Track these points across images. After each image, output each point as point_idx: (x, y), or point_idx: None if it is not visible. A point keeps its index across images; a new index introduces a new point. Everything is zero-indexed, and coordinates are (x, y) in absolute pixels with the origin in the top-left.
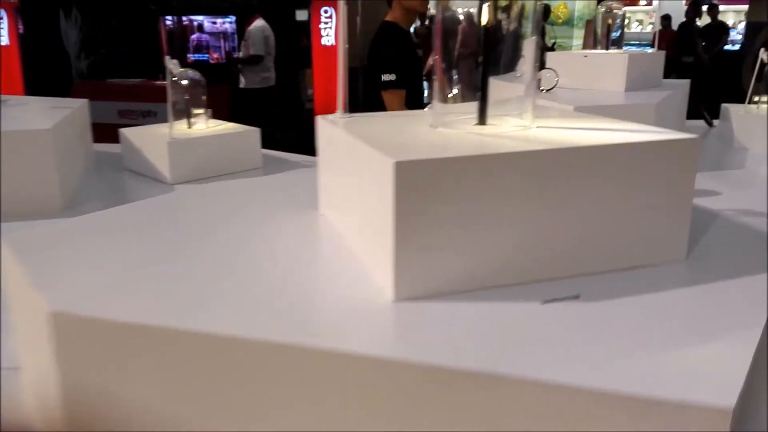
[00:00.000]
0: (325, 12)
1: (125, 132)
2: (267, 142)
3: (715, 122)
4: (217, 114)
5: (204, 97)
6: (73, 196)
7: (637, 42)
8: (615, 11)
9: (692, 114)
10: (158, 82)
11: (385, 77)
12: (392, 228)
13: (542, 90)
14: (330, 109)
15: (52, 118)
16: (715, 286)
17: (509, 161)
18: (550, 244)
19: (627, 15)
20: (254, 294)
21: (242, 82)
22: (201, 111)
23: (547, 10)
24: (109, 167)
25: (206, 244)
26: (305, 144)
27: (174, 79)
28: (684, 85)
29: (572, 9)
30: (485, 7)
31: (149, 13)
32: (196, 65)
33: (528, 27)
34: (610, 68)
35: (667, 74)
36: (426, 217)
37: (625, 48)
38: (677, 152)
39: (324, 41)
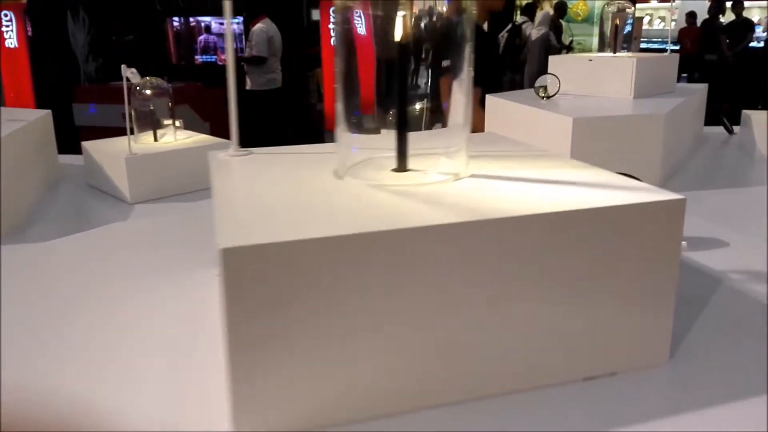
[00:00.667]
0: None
1: (86, 145)
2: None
3: (736, 128)
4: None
5: (170, 107)
6: (19, 219)
7: (660, 39)
8: (625, 10)
9: (712, 119)
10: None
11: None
12: (226, 338)
13: (543, 97)
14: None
15: None
16: (704, 398)
17: (409, 240)
18: (470, 357)
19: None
20: None
21: (248, 84)
22: (168, 123)
23: (563, 7)
24: (73, 183)
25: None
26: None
27: (137, 88)
28: (701, 90)
29: (592, 6)
30: (398, 15)
31: (156, 15)
32: (203, 67)
33: (461, 38)
34: (616, 73)
35: (691, 72)
36: (275, 323)
37: (647, 45)
38: (656, 219)
39: (334, 41)
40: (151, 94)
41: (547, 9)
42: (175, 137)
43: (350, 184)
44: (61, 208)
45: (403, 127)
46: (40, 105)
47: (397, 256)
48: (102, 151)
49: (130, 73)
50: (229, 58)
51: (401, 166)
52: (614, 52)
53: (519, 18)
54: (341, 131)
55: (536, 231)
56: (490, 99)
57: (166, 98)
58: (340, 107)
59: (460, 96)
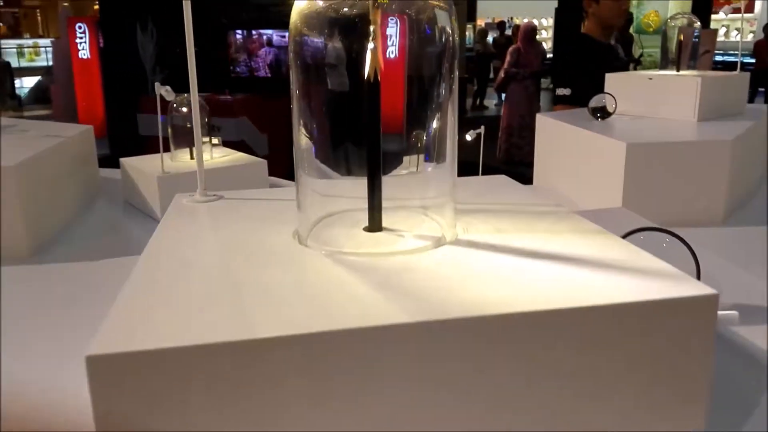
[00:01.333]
0: (390, 19)
1: (124, 162)
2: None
3: None
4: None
5: (207, 124)
6: (50, 238)
7: (735, 53)
8: (691, 25)
9: None
10: (222, 97)
11: (559, 92)
12: None
13: (598, 118)
14: (391, 113)
15: (27, 152)
16: None
17: (336, 344)
18: None
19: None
20: None
21: None
22: (206, 140)
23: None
24: (111, 200)
25: None
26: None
27: (175, 106)
28: None
29: (664, 16)
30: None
31: (220, 27)
32: (264, 80)
33: (444, 65)
34: (679, 93)
35: None
36: None
37: (723, 58)
38: (679, 318)
39: (388, 53)
40: (187, 112)
41: None
42: (211, 155)
43: (304, 253)
44: (93, 226)
45: (375, 177)
46: (109, 114)
47: (316, 364)
48: (137, 168)
49: (164, 91)
50: (192, 79)
51: (373, 226)
52: (678, 70)
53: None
54: (303, 179)
55: (515, 333)
56: (541, 119)
57: (203, 116)
58: (299, 150)
59: (442, 134)
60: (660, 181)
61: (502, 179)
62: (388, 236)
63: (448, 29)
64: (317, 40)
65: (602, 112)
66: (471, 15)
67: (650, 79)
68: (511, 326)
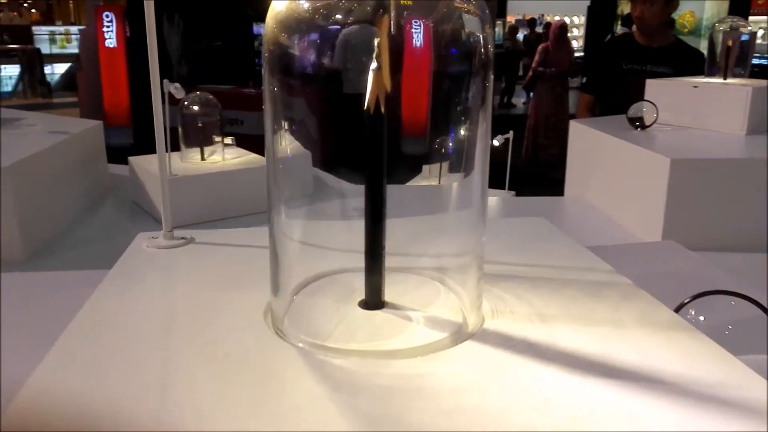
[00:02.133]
0: (415, 22)
1: (133, 161)
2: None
3: None
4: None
5: (219, 124)
6: (48, 242)
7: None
8: (739, 29)
9: None
10: (246, 90)
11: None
12: None
13: (638, 127)
14: (414, 115)
15: (25, 151)
16: None
17: None
18: None
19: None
20: None
21: None
22: (218, 140)
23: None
24: (119, 200)
25: None
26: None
27: (186, 104)
28: None
29: (700, 17)
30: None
31: (245, 21)
32: None
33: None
34: (727, 104)
35: None
36: None
37: (759, 61)
38: None
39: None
40: (198, 111)
41: None
42: (223, 156)
43: (270, 348)
44: (96, 229)
45: (376, 241)
46: (134, 104)
47: None
48: (145, 168)
49: (173, 89)
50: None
51: (372, 301)
52: (724, 78)
53: (619, 29)
54: (279, 227)
55: None
56: (575, 125)
57: (214, 115)
58: (273, 188)
59: (467, 175)
60: (707, 201)
61: (540, 224)
62: (390, 319)
63: (480, 38)
64: (300, 55)
65: (642, 122)
66: (501, 11)
67: (695, 87)
68: None
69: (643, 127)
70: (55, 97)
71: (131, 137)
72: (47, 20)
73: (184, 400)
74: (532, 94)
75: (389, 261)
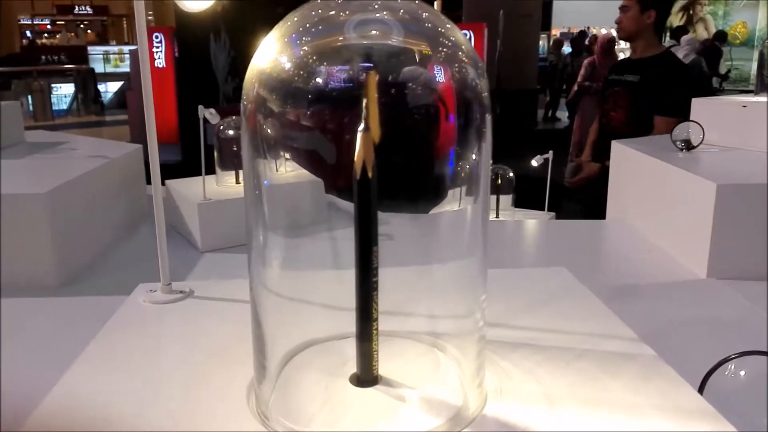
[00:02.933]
0: (464, 36)
1: (169, 184)
2: None
3: None
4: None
5: None
6: (82, 267)
7: None
8: None
9: None
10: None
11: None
12: None
13: (683, 149)
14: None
15: (62, 178)
16: None
17: None
18: None
19: None
20: None
21: None
22: None
23: (723, 35)
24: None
25: None
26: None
27: (222, 128)
28: None
29: (753, 27)
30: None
31: None
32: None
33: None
34: None
35: None
36: None
37: None
38: None
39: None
40: (234, 135)
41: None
42: None
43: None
44: (133, 253)
45: (366, 311)
46: (182, 122)
47: None
48: (180, 192)
49: (208, 114)
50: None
51: (364, 377)
52: None
53: (666, 41)
54: (262, 298)
55: None
56: (616, 146)
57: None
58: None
59: (466, 224)
60: (755, 227)
61: (561, 275)
62: (382, 399)
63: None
64: (282, 113)
65: (687, 143)
66: (546, 24)
67: (744, 106)
68: None
69: (689, 148)
70: (108, 115)
71: (180, 154)
72: (102, 40)
73: None
74: (576, 109)
75: (386, 323)
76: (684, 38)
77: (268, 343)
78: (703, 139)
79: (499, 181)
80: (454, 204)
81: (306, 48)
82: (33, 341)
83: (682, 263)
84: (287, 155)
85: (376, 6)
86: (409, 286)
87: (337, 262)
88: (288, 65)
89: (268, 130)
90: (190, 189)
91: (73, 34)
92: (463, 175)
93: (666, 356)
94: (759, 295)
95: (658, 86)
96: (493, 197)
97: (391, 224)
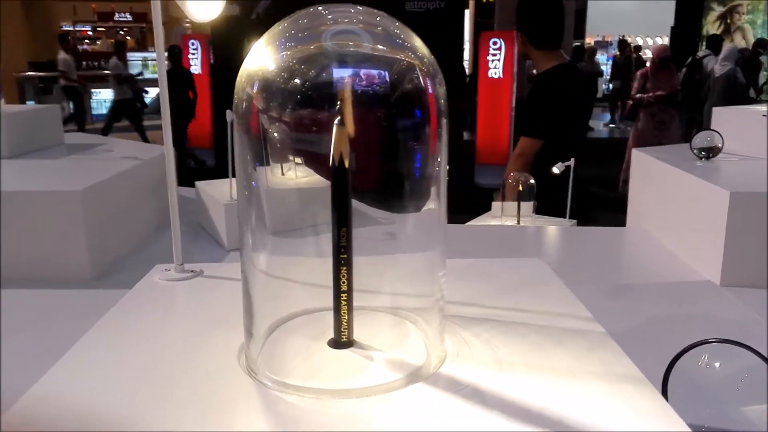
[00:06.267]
0: (494, 44)
1: (199, 186)
2: None
3: None
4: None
5: None
6: (115, 262)
7: None
8: None
9: None
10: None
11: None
12: None
13: (703, 157)
14: (491, 142)
15: (97, 176)
16: None
17: None
18: None
19: None
20: None
21: None
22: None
23: (763, 43)
24: (185, 224)
25: None
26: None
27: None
28: None
29: None
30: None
31: None
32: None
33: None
34: None
35: None
36: None
37: None
38: None
39: (491, 74)
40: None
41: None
42: (296, 174)
43: (239, 386)
44: (162, 249)
45: (342, 285)
46: (215, 127)
47: None
48: (208, 192)
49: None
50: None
51: (340, 340)
52: None
53: (702, 51)
54: (252, 271)
55: None
56: (637, 154)
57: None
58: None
59: (426, 220)
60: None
61: (535, 265)
62: (354, 358)
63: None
64: (270, 113)
65: (707, 152)
66: (579, 32)
67: (765, 116)
68: None
69: (708, 157)
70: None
71: (214, 158)
72: (141, 47)
73: None
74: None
75: (365, 300)
76: (726, 46)
77: (256, 312)
78: (722, 148)
79: (520, 188)
80: (420, 201)
81: (289, 53)
82: (64, 330)
83: (696, 270)
84: (275, 134)
85: (354, 20)
86: (383, 272)
87: (321, 244)
88: (273, 67)
89: (258, 120)
90: (217, 190)
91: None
92: (423, 173)
93: (647, 345)
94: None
95: (527, 105)
96: (514, 204)
97: (369, 218)
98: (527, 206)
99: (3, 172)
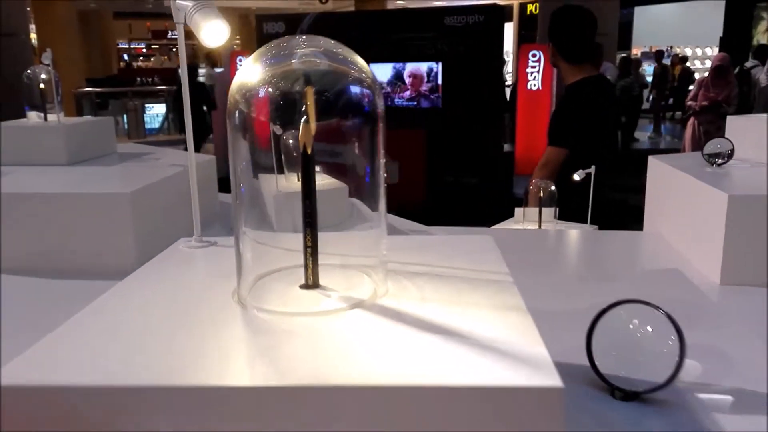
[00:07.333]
0: (533, 56)
1: None
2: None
3: None
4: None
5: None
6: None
7: None
8: None
9: None
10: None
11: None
12: None
13: (712, 163)
14: (530, 153)
15: (145, 180)
16: None
17: (198, 398)
18: None
19: None
20: None
21: None
22: None
23: None
24: (222, 225)
25: None
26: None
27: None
28: None
29: None
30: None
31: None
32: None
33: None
34: None
35: None
36: None
37: None
38: (522, 408)
39: (530, 85)
40: (293, 144)
41: None
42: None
43: (231, 312)
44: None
45: (310, 235)
46: None
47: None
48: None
49: (276, 128)
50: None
51: (309, 283)
52: None
53: (749, 62)
54: (244, 237)
55: (352, 404)
56: (652, 161)
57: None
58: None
59: (371, 198)
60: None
61: (484, 240)
62: (317, 295)
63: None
64: (255, 115)
65: (717, 158)
66: (625, 43)
67: None
68: (352, 397)
69: (719, 163)
70: None
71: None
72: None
73: (156, 347)
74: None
75: (334, 259)
76: None
77: (245, 264)
78: (732, 155)
79: (541, 194)
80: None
81: (270, 68)
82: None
83: (698, 269)
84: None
85: (316, 46)
86: (345, 240)
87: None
88: (257, 78)
89: (245, 113)
90: (264, 185)
91: (166, 57)
92: (366, 162)
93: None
94: None
95: (553, 116)
96: (536, 210)
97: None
98: (549, 212)
99: (63, 178)
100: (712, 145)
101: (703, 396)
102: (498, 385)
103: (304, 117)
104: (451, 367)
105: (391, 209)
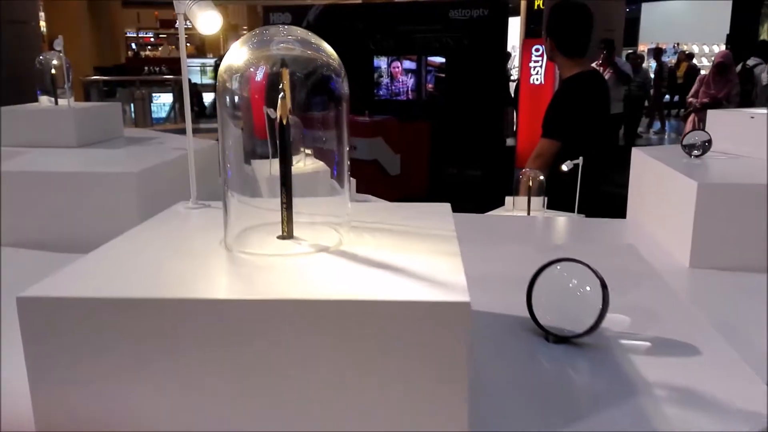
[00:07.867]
0: (536, 50)
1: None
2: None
3: None
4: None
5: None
6: None
7: None
8: None
9: None
10: (361, 118)
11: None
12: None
13: (691, 155)
14: (532, 147)
15: (150, 162)
16: None
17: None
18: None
19: None
20: None
21: None
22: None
23: None
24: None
25: None
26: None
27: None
28: None
29: None
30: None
31: (368, 52)
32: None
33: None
34: None
35: None
36: (76, 376)
37: None
38: (437, 321)
39: (533, 80)
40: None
41: None
42: (304, 163)
43: (217, 253)
44: None
45: (288, 194)
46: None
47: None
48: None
49: (270, 112)
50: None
51: (285, 234)
52: None
53: (751, 60)
54: (231, 195)
55: (303, 317)
56: (636, 153)
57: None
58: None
59: (339, 163)
60: (735, 224)
61: (442, 208)
62: (291, 243)
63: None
64: (240, 91)
65: (694, 149)
66: (630, 40)
67: (752, 117)
68: (297, 309)
69: (697, 155)
70: (203, 123)
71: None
72: (200, 53)
73: (155, 272)
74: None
75: (310, 218)
76: None
77: (231, 218)
78: (708, 147)
79: (530, 184)
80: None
81: (253, 52)
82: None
83: (669, 252)
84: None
85: (292, 35)
86: (321, 205)
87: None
88: (243, 60)
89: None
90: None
91: (173, 47)
92: (332, 135)
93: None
94: (737, 285)
95: (548, 109)
96: (525, 198)
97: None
98: (538, 201)
99: (73, 159)
100: (690, 137)
101: (625, 342)
102: (419, 300)
103: (281, 93)
104: (386, 289)
105: (394, 199)
